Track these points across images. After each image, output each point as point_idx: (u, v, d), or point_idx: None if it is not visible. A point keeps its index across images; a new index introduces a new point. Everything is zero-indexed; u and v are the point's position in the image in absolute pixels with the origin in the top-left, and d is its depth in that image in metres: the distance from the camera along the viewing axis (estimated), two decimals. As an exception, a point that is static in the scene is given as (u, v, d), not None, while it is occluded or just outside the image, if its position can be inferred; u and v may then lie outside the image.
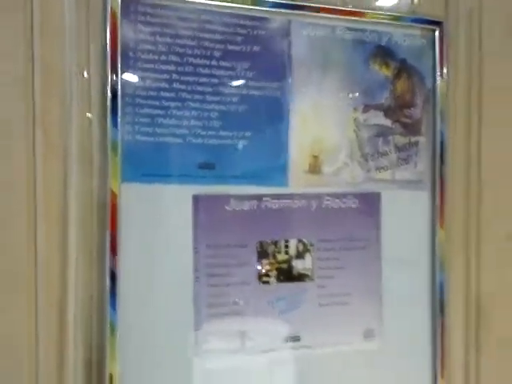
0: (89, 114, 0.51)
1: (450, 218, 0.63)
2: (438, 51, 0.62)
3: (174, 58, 0.52)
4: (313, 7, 0.56)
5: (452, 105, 0.63)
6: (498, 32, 0.65)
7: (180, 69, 0.53)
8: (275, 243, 0.56)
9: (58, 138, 0.50)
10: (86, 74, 0.50)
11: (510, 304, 0.67)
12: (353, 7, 0.58)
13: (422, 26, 0.61)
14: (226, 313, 0.54)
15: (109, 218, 0.50)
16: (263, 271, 0.55)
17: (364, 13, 0.58)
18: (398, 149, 0.61)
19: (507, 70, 0.66)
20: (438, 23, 0.61)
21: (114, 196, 0.50)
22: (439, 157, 0.62)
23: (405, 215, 0.62)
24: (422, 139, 0.62)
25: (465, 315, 0.65)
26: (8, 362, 0.49)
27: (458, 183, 0.64)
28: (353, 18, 0.58)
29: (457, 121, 0.64)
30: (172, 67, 0.52)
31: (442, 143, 0.62)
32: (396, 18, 0.60)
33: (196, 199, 0.53)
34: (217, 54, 0.54)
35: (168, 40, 0.52)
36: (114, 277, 0.50)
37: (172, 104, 0.52)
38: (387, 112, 0.60)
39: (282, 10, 0.55)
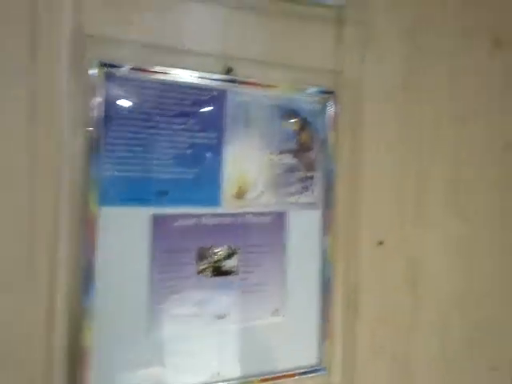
0: (78, 157, 0.68)
1: (336, 229, 0.86)
2: (331, 112, 0.85)
3: (140, 116, 0.71)
4: (242, 81, 0.77)
5: (340, 150, 0.86)
6: (373, 97, 0.90)
7: (145, 124, 0.72)
8: (211, 248, 0.77)
9: (53, 175, 0.67)
10: (75, 129, 0.68)
11: (377, 290, 0.92)
12: (270, 81, 0.79)
13: (319, 94, 0.84)
14: (174, 299, 0.74)
15: (90, 230, 0.68)
16: (201, 268, 0.77)
17: (277, 85, 0.80)
18: (301, 180, 0.83)
19: (380, 125, 0.91)
20: (330, 92, 0.84)
21: (93, 215, 0.69)
22: (330, 186, 0.85)
23: (304, 227, 0.84)
24: (317, 174, 0.85)
25: (344, 297, 0.88)
26: (21, 336, 0.66)
27: (342, 204, 0.87)
28: (269, 89, 0.79)
29: (343, 161, 0.87)
30: (139, 123, 0.71)
31: (331, 176, 0.85)
32: (301, 89, 0.82)
33: (154, 218, 0.73)
34: (172, 113, 0.73)
35: (136, 103, 0.71)
36: (92, 272, 0.68)
37: (138, 149, 0.71)
38: (294, 154, 0.82)
39: (220, 83, 0.76)
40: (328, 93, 0.84)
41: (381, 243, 0.92)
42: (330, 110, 0.85)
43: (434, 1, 0.94)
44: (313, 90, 0.83)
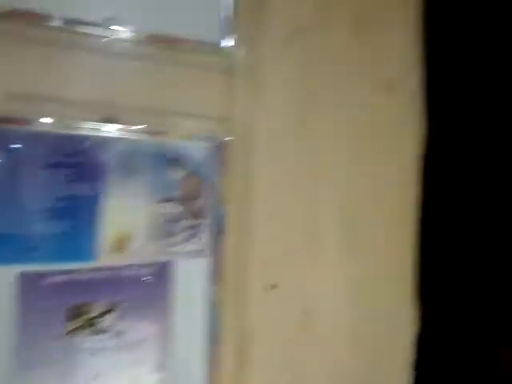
0: None
1: (225, 275, 0.85)
2: (220, 159, 0.82)
3: (6, 169, 0.66)
4: (125, 129, 0.73)
5: (230, 196, 0.84)
6: (264, 142, 0.89)
7: (10, 177, 0.66)
8: (85, 305, 0.73)
9: None
10: None
11: (267, 336, 0.90)
12: (156, 129, 0.76)
13: (208, 141, 0.81)
14: (43, 362, 0.69)
15: None
16: (73, 328, 0.72)
17: (165, 132, 0.77)
18: (187, 229, 0.81)
19: (271, 171, 0.90)
20: (219, 139, 0.82)
21: None
22: (219, 232, 0.84)
23: (191, 276, 0.82)
24: (205, 221, 0.83)
25: (235, 347, 0.86)
26: None
27: (232, 250, 0.85)
28: (155, 136, 0.76)
29: (233, 207, 0.85)
30: (4, 176, 0.66)
31: (220, 223, 0.84)
32: (188, 136, 0.79)
33: (22, 276, 0.68)
34: (44, 164, 0.68)
35: (3, 156, 0.66)
36: None
37: (2, 204, 0.66)
38: (180, 203, 0.80)
39: (100, 132, 0.72)
40: (217, 140, 0.82)
41: (273, 287, 0.91)
42: (220, 156, 0.83)
43: (324, 46, 0.95)
44: (201, 137, 0.81)
